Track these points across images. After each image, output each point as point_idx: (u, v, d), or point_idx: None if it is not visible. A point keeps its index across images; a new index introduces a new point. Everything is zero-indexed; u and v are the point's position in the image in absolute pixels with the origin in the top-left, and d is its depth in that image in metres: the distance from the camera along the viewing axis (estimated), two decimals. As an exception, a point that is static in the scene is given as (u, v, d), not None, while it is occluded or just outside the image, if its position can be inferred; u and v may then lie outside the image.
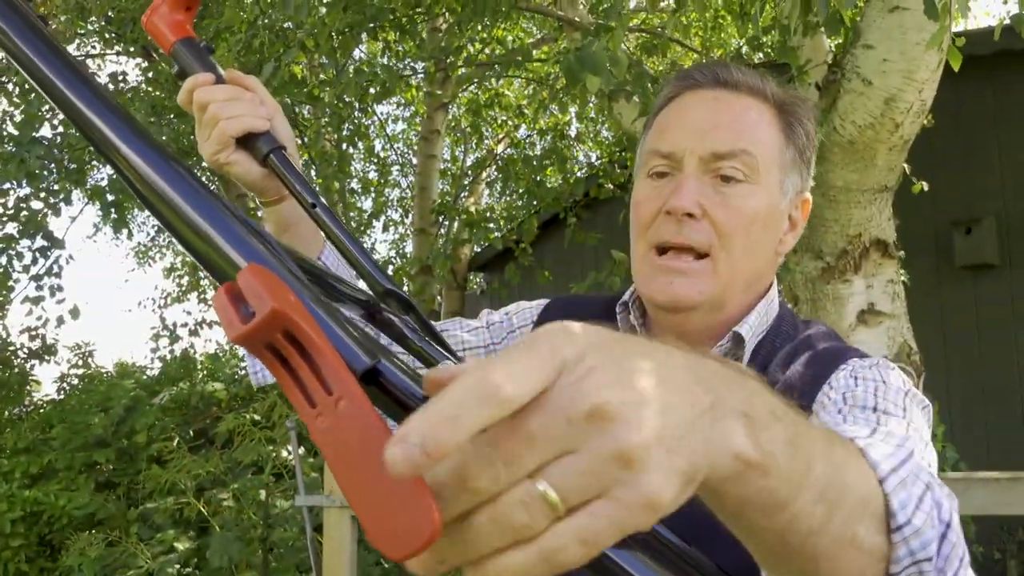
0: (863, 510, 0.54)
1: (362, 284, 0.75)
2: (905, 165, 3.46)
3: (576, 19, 4.76)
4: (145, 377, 7.89)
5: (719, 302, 0.94)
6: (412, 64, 6.79)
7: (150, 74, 6.40)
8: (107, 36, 7.62)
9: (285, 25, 4.74)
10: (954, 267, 4.67)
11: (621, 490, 0.37)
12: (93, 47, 8.49)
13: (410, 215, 8.93)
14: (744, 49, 4.32)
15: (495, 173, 8.91)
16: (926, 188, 3.97)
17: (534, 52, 7.19)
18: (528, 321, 1.10)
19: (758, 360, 0.95)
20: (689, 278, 0.91)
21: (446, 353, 0.56)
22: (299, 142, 6.76)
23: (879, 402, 0.79)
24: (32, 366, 7.41)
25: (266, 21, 4.48)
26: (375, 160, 9.21)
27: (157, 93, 5.96)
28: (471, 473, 0.36)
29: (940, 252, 4.74)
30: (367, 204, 9.22)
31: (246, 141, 0.91)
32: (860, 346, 3.98)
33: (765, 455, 0.44)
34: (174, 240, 0.50)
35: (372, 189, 9.10)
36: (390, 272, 7.88)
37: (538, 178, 7.01)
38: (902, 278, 3.67)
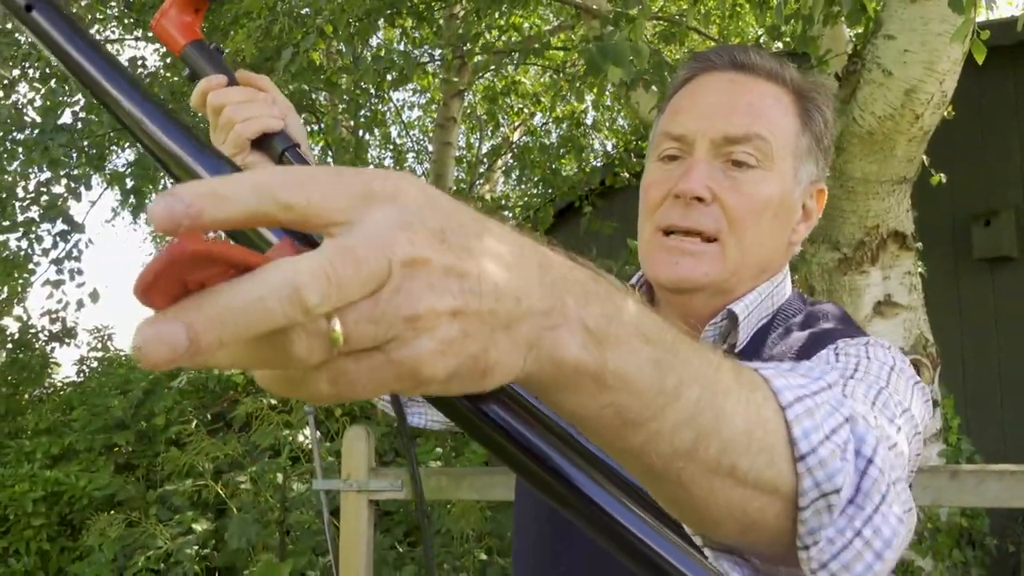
0: (747, 442, 0.50)
1: None
2: (924, 156, 3.44)
3: (594, 6, 4.75)
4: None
5: (725, 287, 0.92)
6: (429, 51, 6.79)
7: (169, 59, 6.43)
8: (126, 21, 7.66)
9: (303, 11, 4.75)
10: (972, 259, 4.65)
11: (394, 346, 0.36)
12: (112, 32, 8.53)
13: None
14: (763, 38, 4.29)
15: (511, 161, 8.90)
16: (944, 180, 3.95)
17: (551, 39, 7.17)
18: None
19: (755, 342, 0.93)
20: (695, 259, 0.89)
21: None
22: (316, 128, 6.78)
23: (851, 372, 0.74)
24: (53, 349, 7.49)
25: (285, 7, 4.49)
26: (391, 147, 9.23)
27: (176, 79, 5.99)
28: (267, 296, 0.33)
29: (958, 244, 4.72)
30: (383, 191, 9.23)
31: (260, 141, 0.91)
32: (876, 337, 3.95)
33: (608, 370, 0.43)
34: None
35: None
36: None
37: (554, 166, 7.00)
38: (919, 270, 3.66)
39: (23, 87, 7.03)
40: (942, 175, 3.92)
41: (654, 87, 3.54)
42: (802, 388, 0.55)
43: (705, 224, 0.89)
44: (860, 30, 3.45)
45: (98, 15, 7.63)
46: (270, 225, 0.36)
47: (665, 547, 0.52)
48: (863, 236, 3.52)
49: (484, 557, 4.34)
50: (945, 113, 3.30)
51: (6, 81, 7.03)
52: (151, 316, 0.33)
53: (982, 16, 2.96)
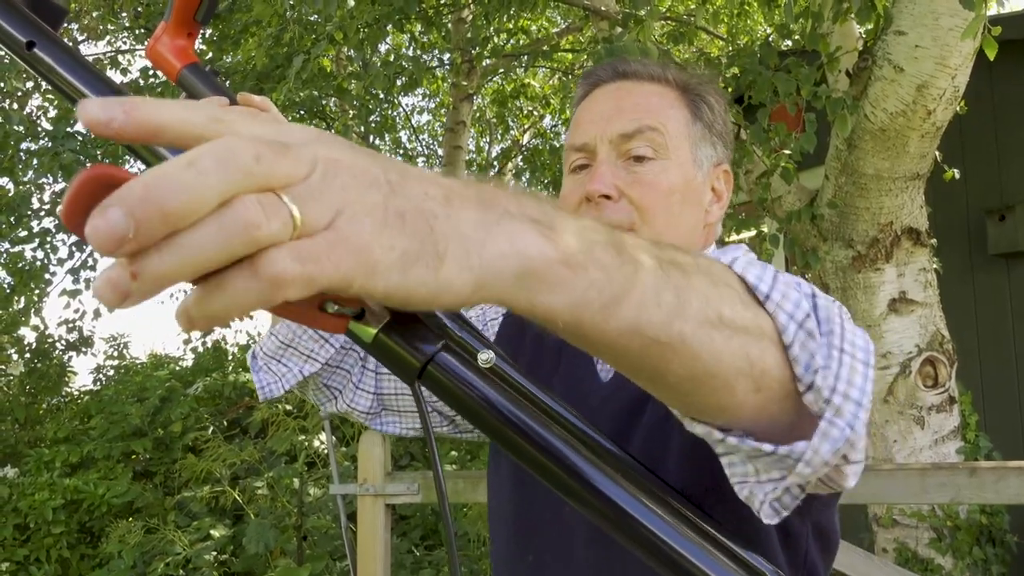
0: (717, 289, 0.54)
1: None
2: (937, 152, 3.43)
3: (602, 8, 4.75)
4: (178, 368, 8.02)
5: None
6: (438, 56, 6.81)
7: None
8: (137, 32, 7.72)
9: (312, 18, 4.78)
10: (987, 255, 4.61)
11: (342, 221, 0.36)
12: (123, 43, 8.60)
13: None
14: (772, 37, 4.28)
15: (521, 163, 8.91)
16: (958, 176, 3.93)
17: (560, 42, 7.17)
18: (499, 314, 1.14)
19: None
20: None
21: (481, 340, 0.59)
22: (327, 134, 6.81)
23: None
24: (70, 358, 7.56)
25: (295, 15, 4.52)
26: (401, 151, 9.25)
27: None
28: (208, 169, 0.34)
29: (973, 240, 4.69)
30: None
31: None
32: (891, 335, 3.92)
33: (571, 252, 0.45)
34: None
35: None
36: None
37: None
38: (934, 266, 3.64)
39: (36, 99, 7.10)
40: (955, 171, 3.90)
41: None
42: (726, 255, 0.61)
43: (618, 219, 0.93)
44: (870, 26, 3.43)
45: (109, 26, 7.70)
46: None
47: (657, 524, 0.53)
48: (877, 233, 3.50)
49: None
50: (957, 108, 3.28)
51: (19, 93, 7.10)
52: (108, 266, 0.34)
53: (993, 11, 2.94)
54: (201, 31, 0.91)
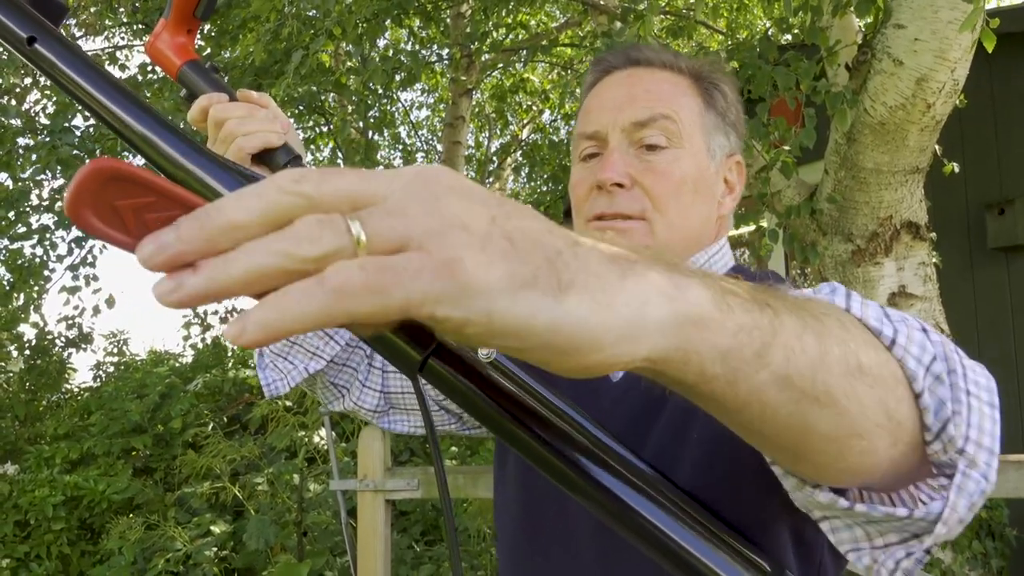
0: (849, 335, 0.49)
1: None
2: (936, 146, 3.42)
3: (602, 2, 4.75)
4: (178, 364, 8.02)
5: None
6: (437, 51, 6.80)
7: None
8: (135, 27, 7.70)
9: (311, 13, 4.76)
10: (986, 249, 4.61)
11: (431, 240, 0.32)
12: (122, 39, 8.58)
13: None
14: (771, 30, 4.27)
15: (520, 158, 8.90)
16: (957, 169, 3.92)
17: (559, 36, 7.16)
18: None
19: None
20: (626, 235, 0.91)
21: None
22: (325, 130, 6.80)
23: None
24: (69, 354, 7.56)
25: (292, 10, 4.51)
26: (400, 147, 9.24)
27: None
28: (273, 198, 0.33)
29: (972, 233, 4.68)
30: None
31: (262, 157, 0.91)
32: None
33: (715, 295, 0.41)
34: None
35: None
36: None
37: (564, 163, 7.00)
38: (934, 260, 3.64)
39: (34, 94, 7.09)
40: (955, 164, 3.90)
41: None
42: (835, 295, 0.55)
43: (630, 207, 0.92)
44: (869, 20, 3.43)
45: (107, 22, 7.68)
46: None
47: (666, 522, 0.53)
48: (876, 227, 3.50)
49: (501, 555, 4.34)
50: (957, 102, 3.27)
51: (18, 89, 7.09)
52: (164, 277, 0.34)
53: (992, 3, 2.93)
54: (200, 27, 0.91)
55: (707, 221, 0.98)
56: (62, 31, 0.65)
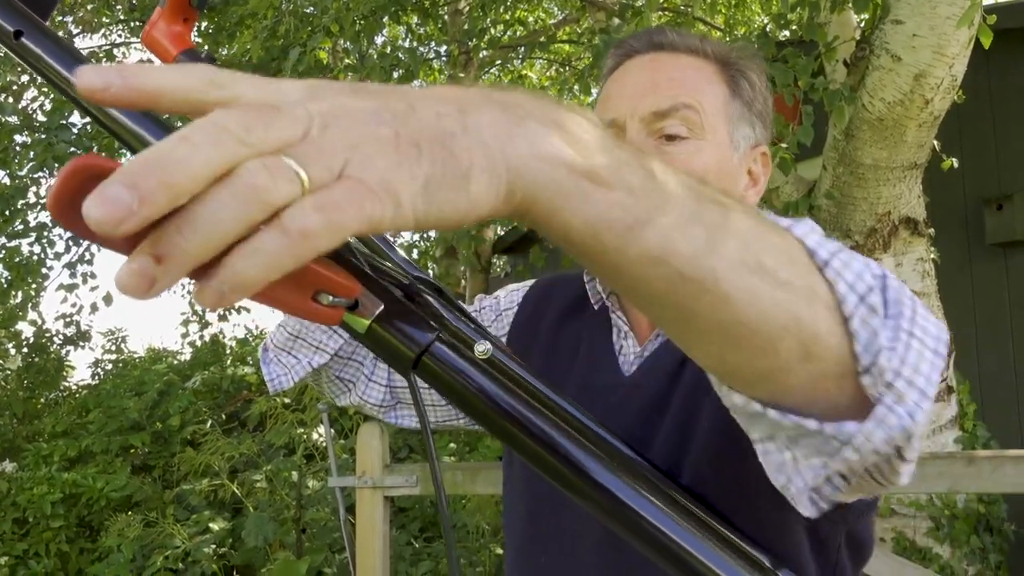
0: (762, 239, 0.48)
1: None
2: (935, 142, 3.42)
3: (599, -1, 4.74)
4: (176, 362, 8.01)
5: None
6: (435, 48, 6.79)
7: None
8: (132, 25, 7.69)
9: (307, 10, 4.76)
10: (984, 244, 4.62)
11: (355, 167, 0.36)
12: (119, 36, 8.56)
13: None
14: (769, 27, 4.27)
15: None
16: (956, 165, 3.92)
17: (556, 33, 7.16)
18: (514, 303, 1.09)
19: None
20: None
21: (479, 331, 0.59)
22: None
23: None
24: (67, 352, 7.56)
25: (290, 7, 4.50)
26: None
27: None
28: (206, 140, 0.33)
29: (971, 229, 4.69)
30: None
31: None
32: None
33: (595, 164, 0.42)
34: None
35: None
36: (414, 256, 7.92)
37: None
38: (932, 256, 3.64)
39: (31, 92, 7.08)
40: (953, 160, 3.90)
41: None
42: (790, 223, 0.54)
43: None
44: (867, 16, 3.42)
45: (104, 19, 7.67)
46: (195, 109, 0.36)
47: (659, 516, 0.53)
48: (874, 223, 3.50)
49: (500, 552, 4.35)
50: (955, 97, 3.27)
51: (15, 87, 7.07)
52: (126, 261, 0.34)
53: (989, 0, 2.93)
54: (198, 17, 0.90)
55: None
56: (56, 28, 0.64)
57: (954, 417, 3.58)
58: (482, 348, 0.54)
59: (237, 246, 0.34)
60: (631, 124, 0.90)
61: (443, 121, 0.39)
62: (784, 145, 3.39)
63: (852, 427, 0.51)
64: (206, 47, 6.05)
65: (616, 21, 3.80)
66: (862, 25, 3.70)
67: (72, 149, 5.38)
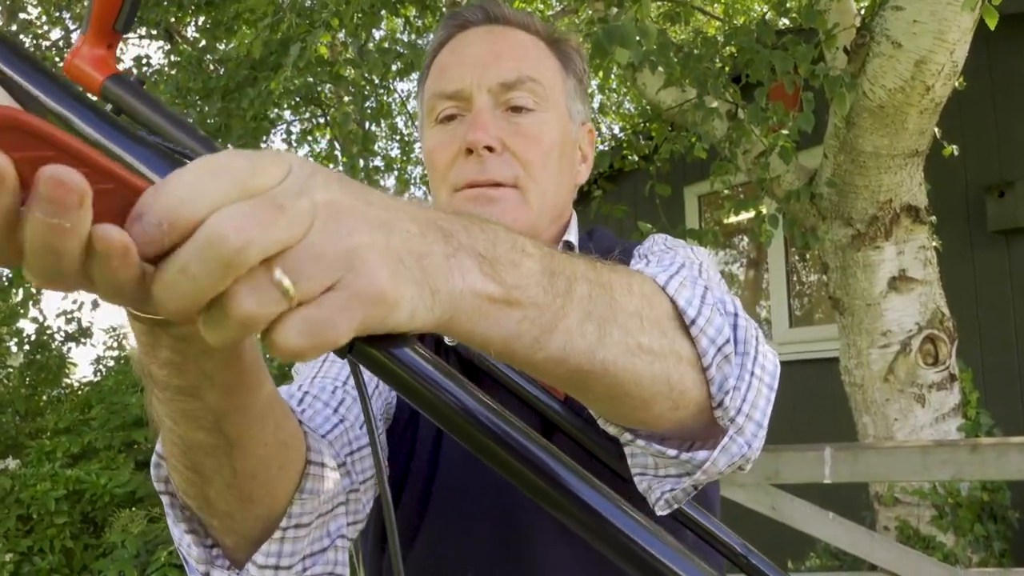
0: (640, 320, 0.57)
1: None
2: (936, 129, 3.40)
3: (598, -11, 4.71)
4: (178, 358, 8.02)
5: (534, 232, 0.89)
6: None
7: (173, 56, 6.44)
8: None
9: (307, 3, 4.74)
10: (987, 232, 4.60)
11: (351, 279, 0.38)
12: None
13: (434, 192, 8.93)
14: (768, 14, 4.25)
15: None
16: (957, 152, 3.91)
17: (556, 24, 7.12)
18: None
19: None
20: (501, 206, 0.87)
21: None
22: (321, 121, 6.78)
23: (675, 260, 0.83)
24: (69, 349, 7.55)
25: (290, 2, 4.49)
26: (397, 137, 9.21)
27: (181, 75, 6.01)
28: (193, 258, 0.35)
29: (972, 217, 4.67)
30: (390, 182, 9.23)
31: None
32: (891, 312, 3.91)
33: (510, 288, 0.47)
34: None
35: (395, 167, 9.11)
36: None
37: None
38: (934, 244, 3.63)
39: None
40: (955, 147, 3.88)
41: (660, 68, 3.51)
42: (666, 271, 0.64)
43: (503, 174, 0.87)
44: (867, 2, 3.40)
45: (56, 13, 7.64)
46: None
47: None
48: (876, 211, 3.49)
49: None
50: (956, 84, 3.25)
51: (13, 84, 7.04)
52: None
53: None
54: (122, 40, 0.86)
55: (570, 190, 0.95)
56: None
57: (957, 405, 3.58)
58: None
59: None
60: (478, 95, 0.88)
61: (414, 241, 0.42)
62: (785, 132, 3.38)
63: (703, 455, 0.62)
64: (203, 42, 6.03)
65: (615, 11, 3.78)
66: (862, 12, 3.68)
67: None
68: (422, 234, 0.43)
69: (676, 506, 0.68)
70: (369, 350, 0.47)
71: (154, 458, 0.62)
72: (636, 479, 0.68)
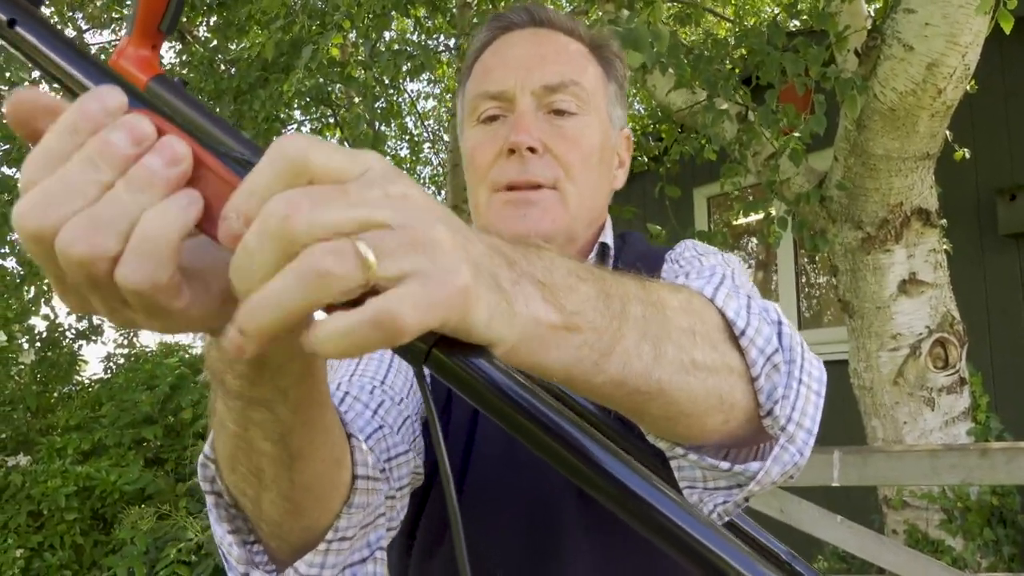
0: (693, 336, 0.57)
1: None
2: (947, 132, 3.39)
3: (608, -10, 4.71)
4: (188, 355, 8.05)
5: (571, 235, 0.92)
6: (445, 41, 6.78)
7: (185, 56, 6.47)
8: (142, 20, 7.68)
9: (318, 5, 4.75)
10: (997, 235, 4.58)
11: (432, 268, 0.36)
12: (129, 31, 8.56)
13: (443, 192, 8.95)
14: (779, 16, 4.25)
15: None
16: (968, 155, 3.89)
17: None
18: None
19: None
20: (541, 208, 0.88)
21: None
22: (332, 121, 6.80)
23: (697, 265, 0.86)
24: (80, 346, 7.58)
25: (302, 3, 4.50)
26: (407, 138, 9.23)
27: (192, 75, 6.03)
28: (284, 213, 0.35)
29: (983, 220, 4.65)
30: (400, 182, 9.24)
31: None
32: (901, 316, 3.89)
33: (569, 314, 0.48)
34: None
35: (404, 167, 9.13)
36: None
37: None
38: (944, 247, 3.61)
39: (42, 88, 7.09)
40: (966, 150, 3.87)
41: (671, 70, 3.51)
42: (710, 282, 0.64)
43: (543, 175, 0.88)
44: (879, 5, 3.40)
45: (113, 15, 7.69)
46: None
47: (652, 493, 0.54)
48: (886, 214, 3.48)
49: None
50: (968, 87, 3.24)
51: (26, 83, 7.10)
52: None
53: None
54: (165, 40, 0.88)
55: (606, 194, 0.97)
56: (65, 25, 0.64)
57: (967, 409, 3.56)
58: None
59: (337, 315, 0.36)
60: (522, 97, 0.90)
61: (485, 258, 0.42)
62: (796, 135, 3.37)
63: (755, 466, 0.62)
64: (215, 42, 6.06)
65: (625, 12, 3.78)
66: (873, 14, 3.67)
67: None
68: (490, 255, 0.43)
69: (727, 518, 0.67)
70: (444, 359, 0.48)
71: (201, 458, 0.63)
72: (685, 492, 0.67)
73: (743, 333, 0.61)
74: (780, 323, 0.65)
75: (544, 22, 0.95)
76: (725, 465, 0.62)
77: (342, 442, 0.63)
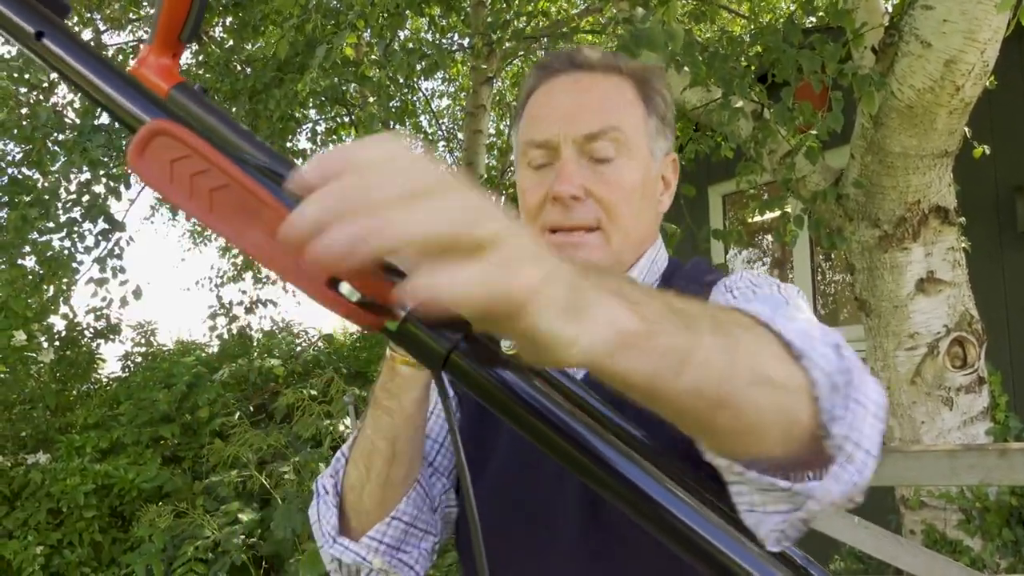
0: (760, 349, 0.59)
1: None
2: (966, 129, 3.36)
3: (623, -12, 4.69)
4: (205, 354, 8.10)
5: (615, 269, 1.00)
6: (459, 40, 6.78)
7: (200, 57, 6.51)
8: (159, 21, 7.72)
9: (334, 4, 4.77)
10: (1016, 233, 4.53)
11: (495, 255, 0.41)
12: (145, 33, 8.64)
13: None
14: (795, 13, 4.21)
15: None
16: (987, 152, 3.86)
17: (579, 23, 7.12)
18: None
19: None
20: (584, 250, 0.97)
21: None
22: (346, 121, 6.82)
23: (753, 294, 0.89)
24: (98, 345, 7.65)
25: (316, 3, 4.52)
26: (422, 136, 9.24)
27: (208, 76, 6.07)
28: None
29: (1002, 218, 4.61)
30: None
31: None
32: (919, 315, 3.86)
33: (651, 322, 0.50)
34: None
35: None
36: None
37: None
38: (963, 245, 3.58)
39: (62, 89, 7.17)
40: (985, 147, 3.83)
41: (686, 68, 3.50)
42: (765, 307, 0.66)
43: (586, 219, 0.96)
44: (896, 1, 3.37)
45: (131, 15, 7.74)
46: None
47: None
48: (904, 212, 3.45)
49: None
50: (987, 84, 3.21)
51: (44, 84, 7.16)
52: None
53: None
54: (186, 49, 0.89)
55: (653, 222, 1.05)
56: (71, 24, 0.65)
57: (985, 408, 3.53)
58: (509, 343, 0.54)
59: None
60: (564, 147, 0.97)
61: (563, 267, 0.45)
62: (813, 132, 3.35)
63: (814, 485, 0.62)
64: (231, 42, 6.09)
65: (640, 11, 3.77)
66: (890, 11, 3.64)
67: (106, 149, 5.43)
68: (567, 264, 0.46)
69: (787, 543, 0.67)
70: (461, 363, 0.48)
71: (337, 454, 0.93)
72: (744, 515, 0.67)
73: (803, 355, 0.62)
74: (839, 345, 0.66)
75: (583, 65, 1.01)
76: (784, 484, 0.63)
77: (418, 460, 0.89)
